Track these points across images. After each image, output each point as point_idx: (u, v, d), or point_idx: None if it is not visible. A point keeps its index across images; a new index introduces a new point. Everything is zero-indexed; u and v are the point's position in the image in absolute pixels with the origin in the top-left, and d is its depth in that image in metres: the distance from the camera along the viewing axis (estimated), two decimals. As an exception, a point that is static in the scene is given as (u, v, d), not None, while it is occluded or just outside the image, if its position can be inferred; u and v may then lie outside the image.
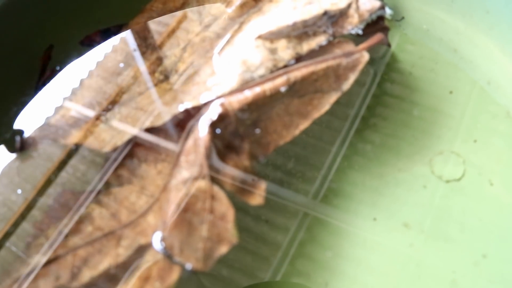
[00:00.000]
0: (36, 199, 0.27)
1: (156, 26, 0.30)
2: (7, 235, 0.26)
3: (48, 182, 0.27)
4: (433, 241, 0.27)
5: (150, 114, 0.26)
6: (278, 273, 0.27)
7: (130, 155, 0.26)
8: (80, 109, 0.27)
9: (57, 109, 0.28)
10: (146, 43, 0.29)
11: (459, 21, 0.31)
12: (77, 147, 0.27)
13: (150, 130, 0.26)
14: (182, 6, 0.30)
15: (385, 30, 0.28)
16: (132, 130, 0.26)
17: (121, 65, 0.29)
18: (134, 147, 0.26)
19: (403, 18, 0.32)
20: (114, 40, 0.30)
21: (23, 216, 0.27)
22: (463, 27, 0.31)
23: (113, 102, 0.28)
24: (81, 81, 0.29)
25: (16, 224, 0.27)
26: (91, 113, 0.27)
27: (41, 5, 0.31)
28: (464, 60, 0.31)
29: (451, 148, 0.29)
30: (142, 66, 0.29)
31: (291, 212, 0.28)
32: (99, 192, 0.26)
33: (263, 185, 0.25)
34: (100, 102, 0.28)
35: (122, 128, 0.26)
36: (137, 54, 0.29)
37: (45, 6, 0.31)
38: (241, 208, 0.27)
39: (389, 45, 0.29)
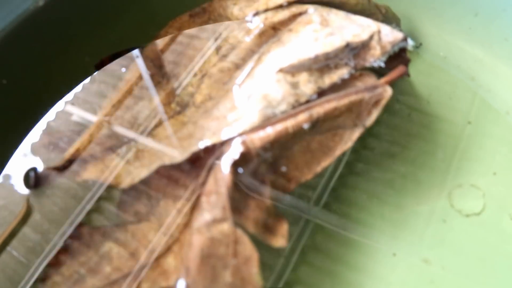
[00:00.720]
0: (51, 237, 0.26)
1: (171, 54, 0.29)
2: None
3: (64, 218, 0.26)
4: (454, 278, 0.26)
5: (168, 149, 0.25)
6: (280, 280, 0.26)
7: (147, 191, 0.26)
8: (93, 146, 0.26)
9: (72, 146, 0.27)
10: (161, 71, 0.28)
11: (477, 49, 0.30)
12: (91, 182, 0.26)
13: (169, 167, 0.25)
14: (197, 33, 0.29)
15: (406, 61, 0.27)
16: (149, 166, 0.25)
17: (137, 93, 0.28)
18: (151, 183, 0.26)
19: (421, 44, 0.31)
20: (128, 68, 0.29)
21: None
22: (482, 55, 0.30)
23: (129, 136, 0.27)
24: (97, 114, 0.28)
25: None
26: (104, 151, 0.26)
27: (52, 32, 0.30)
28: (483, 88, 0.30)
29: (470, 181, 0.28)
30: (157, 96, 0.28)
31: (293, 219, 0.27)
32: (116, 228, 0.25)
33: (285, 226, 0.24)
34: (116, 136, 0.27)
35: (138, 163, 0.26)
36: (152, 84, 0.28)
37: (57, 31, 0.30)
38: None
39: (408, 75, 0.28)
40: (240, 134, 0.24)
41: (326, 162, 0.25)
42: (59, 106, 0.29)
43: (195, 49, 0.29)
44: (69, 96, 0.30)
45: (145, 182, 0.25)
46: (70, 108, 0.29)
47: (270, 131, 0.24)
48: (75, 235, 0.26)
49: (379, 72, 0.27)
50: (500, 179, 0.28)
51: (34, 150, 0.28)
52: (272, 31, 0.27)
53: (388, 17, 0.31)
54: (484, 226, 0.27)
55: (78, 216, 0.25)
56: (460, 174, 0.28)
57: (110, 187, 0.25)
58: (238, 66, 0.27)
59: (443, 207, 0.28)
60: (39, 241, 0.26)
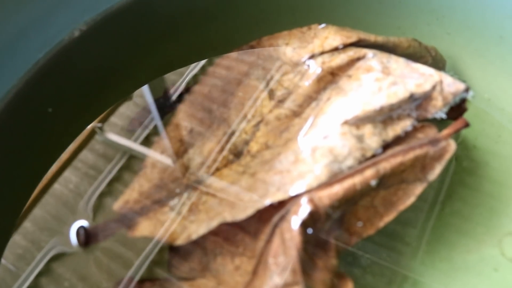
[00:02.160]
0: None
1: (220, 95, 0.27)
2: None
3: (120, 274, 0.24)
4: (507, 330, 0.26)
5: (227, 204, 0.24)
6: None
7: (201, 246, 0.24)
8: (144, 195, 0.25)
9: (120, 198, 0.25)
10: (211, 115, 0.27)
11: (522, 92, 0.30)
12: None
13: (230, 222, 0.24)
14: (247, 74, 0.27)
15: (463, 111, 0.26)
16: (208, 222, 0.24)
17: (187, 139, 0.26)
18: (206, 237, 0.24)
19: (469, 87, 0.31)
20: (177, 112, 0.27)
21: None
22: (526, 98, 0.30)
23: (181, 187, 0.25)
24: (142, 165, 0.26)
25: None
26: (157, 199, 0.25)
27: (87, 63, 0.28)
28: (528, 132, 0.30)
29: (520, 229, 0.28)
30: (207, 143, 0.26)
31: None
32: (168, 286, 0.24)
33: (350, 285, 0.23)
34: (167, 186, 0.25)
35: (194, 217, 0.24)
36: (202, 129, 0.26)
37: (92, 62, 0.28)
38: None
39: (468, 126, 0.28)
40: (307, 191, 0.23)
41: (389, 217, 0.24)
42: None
43: (246, 91, 0.27)
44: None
45: (203, 238, 0.24)
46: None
47: (338, 189, 0.23)
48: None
49: (439, 125, 0.26)
50: (550, 228, 0.28)
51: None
52: (331, 77, 0.26)
53: (436, 60, 0.30)
54: (535, 276, 0.27)
55: (134, 272, 0.24)
56: (509, 221, 0.28)
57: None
58: (296, 114, 0.26)
59: (494, 256, 0.27)
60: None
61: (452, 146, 0.25)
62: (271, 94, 0.27)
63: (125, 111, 0.30)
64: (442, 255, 0.27)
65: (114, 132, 0.29)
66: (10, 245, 0.26)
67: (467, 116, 0.30)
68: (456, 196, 0.29)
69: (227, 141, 0.26)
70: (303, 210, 0.22)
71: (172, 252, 0.24)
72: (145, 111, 0.29)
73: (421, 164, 0.25)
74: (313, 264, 0.23)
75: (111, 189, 0.27)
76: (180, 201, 0.25)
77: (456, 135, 0.30)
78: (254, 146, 0.25)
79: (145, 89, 0.30)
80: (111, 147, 0.29)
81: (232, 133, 0.26)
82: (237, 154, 0.25)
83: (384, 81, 0.25)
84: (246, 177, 0.25)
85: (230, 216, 0.24)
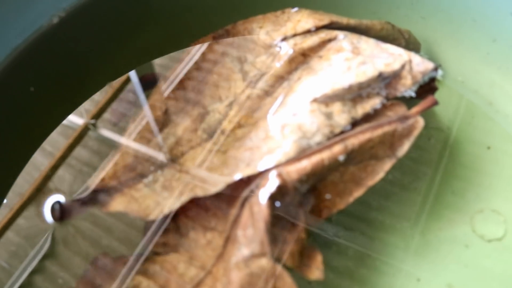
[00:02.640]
0: (72, 263, 0.25)
1: (194, 79, 0.28)
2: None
3: (87, 246, 0.25)
4: (478, 304, 0.26)
5: (199, 180, 0.24)
6: None
7: (175, 221, 0.25)
8: (119, 175, 0.25)
9: (95, 176, 0.26)
10: (186, 96, 0.27)
11: (495, 74, 0.30)
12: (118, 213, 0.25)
13: (202, 198, 0.24)
14: (222, 57, 0.28)
15: (433, 90, 0.27)
16: (180, 197, 0.24)
17: (161, 120, 0.27)
18: (180, 213, 0.25)
19: (440, 65, 0.31)
20: (152, 94, 0.28)
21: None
22: (499, 80, 0.30)
23: (155, 164, 0.25)
24: (118, 145, 0.27)
25: None
26: (130, 179, 0.25)
27: (66, 49, 0.29)
28: (500, 113, 0.30)
29: (491, 206, 0.28)
30: (181, 123, 0.26)
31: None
32: (144, 260, 0.24)
33: (319, 258, 0.24)
34: (142, 164, 0.25)
35: (167, 194, 0.25)
36: (177, 110, 0.27)
37: (70, 49, 0.29)
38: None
39: (437, 104, 0.28)
40: (276, 166, 0.23)
41: (359, 192, 0.25)
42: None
43: (220, 74, 0.28)
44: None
45: (176, 213, 0.24)
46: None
47: (306, 163, 0.23)
48: (96, 264, 0.24)
49: (408, 102, 0.26)
50: (521, 205, 0.28)
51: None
52: (302, 58, 0.27)
53: (410, 42, 0.30)
54: (506, 251, 0.27)
55: (99, 244, 0.24)
56: (481, 199, 0.28)
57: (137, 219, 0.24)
58: (268, 94, 0.26)
59: (465, 233, 0.28)
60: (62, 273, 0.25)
61: (420, 123, 0.25)
62: (244, 76, 0.27)
63: (118, 107, 0.31)
64: (415, 231, 0.28)
65: (108, 128, 0.30)
66: (3, 242, 0.26)
67: (440, 97, 0.31)
68: (431, 173, 0.29)
69: (201, 121, 0.26)
70: (272, 184, 0.23)
71: (147, 229, 0.25)
72: (123, 102, 0.30)
73: (390, 141, 0.25)
74: (282, 237, 0.23)
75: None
76: (154, 179, 0.25)
77: (431, 116, 0.30)
78: (227, 125, 0.26)
79: (135, 82, 0.30)
80: (104, 143, 0.29)
81: (206, 113, 0.27)
82: (211, 133, 0.26)
83: (354, 60, 0.26)
84: (218, 154, 0.25)
85: (201, 191, 0.24)
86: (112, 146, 0.28)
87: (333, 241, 0.27)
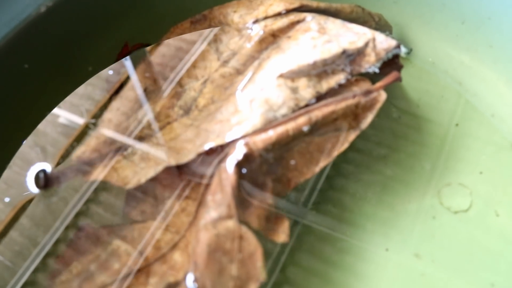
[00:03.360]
0: (58, 233, 0.26)
1: (171, 59, 0.29)
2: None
3: (70, 216, 0.26)
4: (443, 271, 0.27)
5: (173, 151, 0.26)
6: (269, 281, 0.27)
7: (152, 190, 0.26)
8: (99, 147, 0.27)
9: (78, 147, 0.27)
10: (164, 76, 0.29)
11: (464, 55, 0.32)
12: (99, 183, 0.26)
13: (174, 167, 0.26)
14: (198, 38, 0.30)
15: (399, 67, 0.28)
16: (155, 167, 0.26)
17: (141, 97, 0.28)
18: (156, 183, 0.26)
19: (411, 50, 0.32)
20: (134, 73, 0.30)
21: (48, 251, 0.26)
22: (468, 60, 0.32)
23: (134, 137, 0.27)
24: (101, 119, 0.28)
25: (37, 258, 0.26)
26: (110, 151, 0.27)
27: (54, 37, 0.31)
28: (469, 92, 0.31)
29: (458, 180, 0.29)
30: (159, 101, 0.28)
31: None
32: (123, 227, 0.26)
33: (286, 223, 0.25)
34: (119, 139, 0.27)
35: (144, 164, 0.26)
36: (152, 89, 0.28)
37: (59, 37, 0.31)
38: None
39: (400, 80, 0.30)
40: (243, 137, 0.25)
41: (324, 162, 0.26)
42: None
43: (196, 54, 0.29)
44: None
45: (151, 182, 0.26)
46: (57, 111, 0.30)
47: (271, 134, 0.25)
48: (81, 233, 0.26)
49: (373, 78, 0.28)
50: (486, 178, 0.29)
51: (21, 153, 0.28)
52: (272, 38, 0.28)
53: (381, 25, 0.32)
54: (471, 223, 0.28)
55: (82, 213, 0.26)
56: (448, 173, 0.30)
57: (117, 188, 0.26)
58: (239, 72, 0.28)
59: (433, 205, 0.29)
60: (43, 235, 0.26)
61: (382, 96, 0.27)
62: (219, 56, 0.29)
63: (120, 106, 0.32)
64: (382, 205, 0.29)
65: (108, 128, 0.31)
66: (7, 242, 0.28)
67: (412, 77, 0.32)
68: (399, 149, 0.30)
69: (178, 99, 0.28)
70: (238, 152, 0.25)
71: (127, 198, 0.27)
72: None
73: (354, 113, 0.26)
74: (249, 202, 0.25)
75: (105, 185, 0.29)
76: (132, 151, 0.27)
77: (401, 94, 0.32)
78: (201, 102, 0.28)
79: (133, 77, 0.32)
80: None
81: (183, 91, 0.28)
82: (187, 110, 0.28)
83: (319, 39, 0.27)
84: (192, 128, 0.27)
85: (174, 160, 0.26)
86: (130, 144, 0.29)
87: (298, 222, 0.28)
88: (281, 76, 0.26)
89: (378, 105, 0.27)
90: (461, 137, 0.30)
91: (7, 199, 0.27)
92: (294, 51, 0.27)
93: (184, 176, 0.26)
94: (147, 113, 0.28)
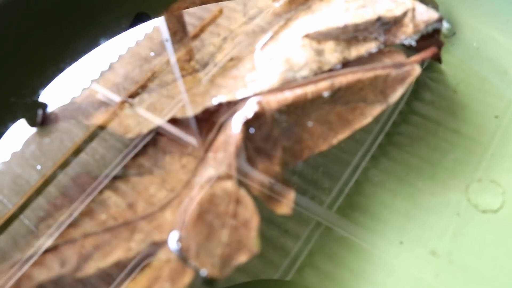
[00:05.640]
0: (53, 176, 0.24)
1: (199, 11, 0.26)
2: (22, 208, 0.23)
3: (66, 161, 0.24)
4: (461, 274, 0.23)
5: (180, 104, 0.23)
6: (284, 281, 0.23)
7: (153, 144, 0.23)
8: (106, 93, 0.24)
9: (84, 90, 0.25)
10: (183, 29, 0.26)
11: (513, 43, 0.27)
12: (99, 129, 0.24)
13: (178, 121, 0.23)
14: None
15: (439, 44, 0.24)
16: (159, 119, 0.23)
17: (152, 53, 0.25)
18: (158, 136, 0.23)
19: (454, 33, 0.28)
20: (148, 28, 0.27)
21: (39, 191, 0.24)
22: (517, 50, 0.27)
23: (142, 88, 0.24)
24: (111, 65, 0.25)
25: (31, 199, 0.24)
26: (117, 98, 0.24)
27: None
28: (514, 84, 0.27)
29: (491, 177, 0.25)
30: (176, 52, 0.25)
31: (304, 220, 0.24)
32: (117, 179, 0.23)
33: (292, 195, 0.22)
34: (128, 87, 0.24)
35: (149, 115, 0.23)
36: (171, 40, 0.25)
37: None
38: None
39: (440, 61, 0.26)
40: (256, 94, 0.22)
41: (343, 134, 0.22)
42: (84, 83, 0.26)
43: (222, 10, 0.26)
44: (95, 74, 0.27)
45: (153, 135, 0.23)
46: (96, 87, 0.27)
47: (288, 95, 0.21)
48: (75, 179, 0.23)
49: (409, 52, 0.24)
50: (523, 178, 0.25)
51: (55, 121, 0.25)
52: (303, -1, 0.25)
53: (424, 1, 0.28)
54: (500, 224, 0.24)
55: (79, 160, 0.23)
56: (481, 168, 0.25)
57: (116, 136, 0.23)
58: (263, 30, 0.25)
59: (459, 201, 0.25)
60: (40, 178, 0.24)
61: (416, 70, 0.23)
62: (245, 13, 0.26)
63: (132, 56, 0.28)
64: (404, 195, 0.25)
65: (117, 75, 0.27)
66: (33, 207, 0.25)
67: (453, 62, 0.28)
68: (434, 133, 0.26)
69: (196, 52, 0.25)
70: (249, 110, 0.21)
71: (128, 148, 0.24)
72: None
73: (382, 85, 0.23)
74: (254, 165, 0.21)
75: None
76: (140, 100, 0.24)
77: (439, 78, 0.28)
78: (219, 57, 0.24)
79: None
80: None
81: (203, 46, 0.25)
82: (203, 64, 0.25)
83: (353, 3, 0.24)
84: (205, 82, 0.24)
85: (180, 113, 0.23)
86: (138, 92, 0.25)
87: (321, 224, 0.25)
88: (306, 36, 0.23)
89: (410, 79, 0.23)
90: (500, 131, 0.26)
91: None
92: (324, 13, 0.24)
93: (189, 131, 0.23)
94: (162, 65, 0.25)
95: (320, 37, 0.23)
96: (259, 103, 0.21)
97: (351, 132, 0.22)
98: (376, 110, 0.23)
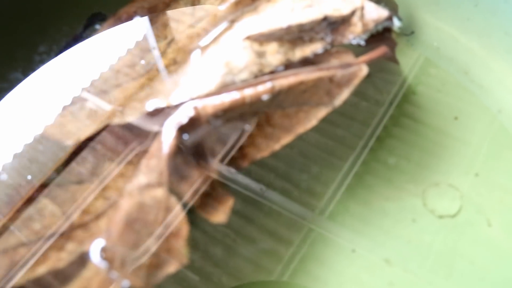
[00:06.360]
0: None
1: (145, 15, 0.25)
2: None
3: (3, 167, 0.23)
4: (416, 282, 0.22)
5: (121, 110, 0.22)
6: (276, 285, 0.22)
7: (94, 151, 0.22)
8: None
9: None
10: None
11: (474, 41, 0.26)
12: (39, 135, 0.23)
13: (117, 127, 0.22)
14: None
15: (391, 44, 0.23)
16: (99, 125, 0.22)
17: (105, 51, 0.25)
18: (99, 144, 0.22)
19: (412, 32, 0.27)
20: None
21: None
22: (478, 48, 0.26)
23: (87, 92, 0.23)
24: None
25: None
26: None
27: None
28: (475, 83, 0.26)
29: (449, 180, 0.24)
30: (124, 57, 0.24)
31: (296, 226, 0.23)
32: (57, 188, 0.22)
33: (230, 202, 0.21)
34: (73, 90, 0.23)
35: (90, 121, 0.22)
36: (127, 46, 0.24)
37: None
38: (246, 217, 0.23)
39: (395, 61, 0.24)
40: (193, 99, 0.21)
41: (286, 139, 0.21)
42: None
43: (170, 14, 0.25)
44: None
45: (93, 142, 0.22)
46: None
47: (225, 99, 0.20)
48: (19, 189, 0.22)
49: (358, 51, 0.23)
50: (482, 181, 0.23)
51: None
52: (250, 0, 0.24)
53: (383, 0, 0.26)
54: (457, 230, 0.23)
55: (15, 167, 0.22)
56: (438, 171, 0.24)
57: (55, 142, 0.22)
58: (208, 32, 0.23)
59: (415, 206, 0.23)
60: None
61: (363, 71, 0.22)
62: (193, 15, 0.25)
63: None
64: (359, 199, 0.24)
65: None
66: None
67: (412, 61, 0.27)
68: (386, 143, 0.25)
69: (141, 57, 0.24)
70: (184, 115, 0.20)
71: (68, 156, 0.23)
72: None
73: (327, 87, 0.21)
74: (188, 173, 0.20)
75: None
76: (81, 106, 0.23)
77: (398, 80, 0.26)
78: (164, 62, 0.23)
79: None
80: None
81: (148, 50, 0.24)
82: (148, 69, 0.24)
83: (300, 2, 0.22)
84: (146, 88, 0.23)
85: (118, 119, 0.22)
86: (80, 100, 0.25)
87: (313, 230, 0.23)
88: (248, 38, 0.22)
89: (356, 81, 0.22)
90: (459, 133, 0.25)
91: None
92: (268, 13, 0.22)
93: (128, 138, 0.22)
94: (107, 71, 0.24)
95: (262, 38, 0.22)
96: (194, 108, 0.20)
97: (295, 136, 0.21)
98: (320, 113, 0.21)
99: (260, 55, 0.21)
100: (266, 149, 0.21)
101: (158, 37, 0.25)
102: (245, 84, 0.21)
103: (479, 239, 0.22)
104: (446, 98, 0.25)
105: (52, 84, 0.24)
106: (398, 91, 0.26)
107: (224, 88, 0.21)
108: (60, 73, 0.24)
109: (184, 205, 0.19)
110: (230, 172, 0.22)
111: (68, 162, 0.22)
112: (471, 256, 0.22)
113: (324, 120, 0.21)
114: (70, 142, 0.22)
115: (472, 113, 0.25)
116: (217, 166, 0.21)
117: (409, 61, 0.26)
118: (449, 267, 0.22)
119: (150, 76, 0.23)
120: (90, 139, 0.22)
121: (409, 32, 0.27)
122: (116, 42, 0.25)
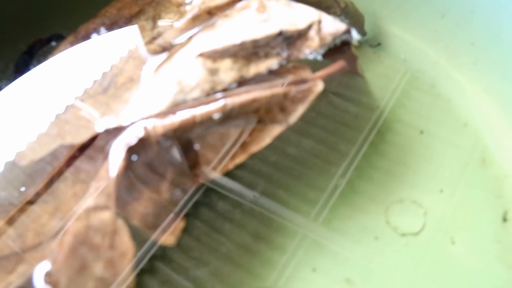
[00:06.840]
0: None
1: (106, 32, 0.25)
2: None
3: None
4: (377, 302, 0.21)
5: (74, 130, 0.22)
6: None
7: (49, 171, 0.22)
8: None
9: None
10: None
11: (440, 53, 0.25)
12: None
13: (71, 147, 0.21)
14: (137, 14, 0.25)
15: (351, 57, 0.22)
16: (54, 145, 0.22)
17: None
18: (55, 163, 0.22)
19: (379, 44, 0.26)
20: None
21: None
22: (444, 60, 0.25)
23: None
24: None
25: None
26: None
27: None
28: (441, 97, 0.25)
29: (413, 197, 0.23)
30: (84, 75, 0.24)
31: (289, 232, 0.23)
32: (11, 209, 0.22)
33: (181, 225, 0.20)
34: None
35: (45, 141, 0.22)
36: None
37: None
38: (239, 224, 0.23)
39: (359, 74, 0.24)
40: (143, 119, 0.20)
41: (240, 159, 0.21)
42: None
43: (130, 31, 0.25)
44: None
45: (48, 162, 0.22)
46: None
47: (175, 118, 0.20)
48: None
49: (316, 67, 0.22)
50: (446, 198, 0.23)
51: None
52: (207, 16, 0.23)
53: (348, 13, 0.26)
54: (420, 248, 0.22)
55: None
56: (402, 187, 0.23)
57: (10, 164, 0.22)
58: (164, 49, 0.23)
59: (377, 224, 0.23)
60: None
61: (319, 86, 0.21)
62: (151, 33, 0.24)
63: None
64: (318, 218, 0.23)
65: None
66: None
67: (378, 74, 0.26)
68: (356, 151, 0.24)
69: (100, 76, 0.24)
70: (131, 136, 0.20)
71: (26, 175, 0.23)
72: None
73: (281, 104, 0.21)
74: (137, 195, 0.20)
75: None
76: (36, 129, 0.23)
77: (363, 92, 0.26)
78: (120, 79, 0.23)
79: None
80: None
81: (108, 68, 0.24)
82: (106, 87, 0.23)
83: (255, 18, 0.22)
84: (103, 107, 0.22)
85: (70, 139, 0.21)
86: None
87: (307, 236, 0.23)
88: (201, 55, 0.21)
89: (311, 97, 0.21)
90: (425, 147, 0.24)
91: None
92: (223, 29, 0.22)
93: (85, 159, 0.22)
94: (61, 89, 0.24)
95: (216, 55, 0.21)
96: (144, 128, 0.20)
97: (248, 155, 0.21)
98: (274, 131, 0.21)
99: (213, 72, 0.21)
100: (218, 169, 0.21)
101: (117, 55, 0.24)
102: (196, 102, 0.20)
103: (442, 258, 0.22)
104: (411, 112, 0.25)
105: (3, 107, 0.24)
106: (369, 104, 0.25)
107: (175, 107, 0.20)
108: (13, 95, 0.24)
109: (132, 228, 0.19)
110: (184, 191, 0.21)
111: (26, 182, 0.22)
112: (433, 275, 0.21)
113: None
114: (24, 163, 0.22)
115: (438, 127, 0.24)
116: (167, 188, 0.20)
117: (377, 73, 0.26)
118: (412, 285, 0.21)
119: (108, 95, 0.23)
120: (43, 159, 0.22)
121: (375, 43, 0.26)
122: (76, 60, 0.25)
